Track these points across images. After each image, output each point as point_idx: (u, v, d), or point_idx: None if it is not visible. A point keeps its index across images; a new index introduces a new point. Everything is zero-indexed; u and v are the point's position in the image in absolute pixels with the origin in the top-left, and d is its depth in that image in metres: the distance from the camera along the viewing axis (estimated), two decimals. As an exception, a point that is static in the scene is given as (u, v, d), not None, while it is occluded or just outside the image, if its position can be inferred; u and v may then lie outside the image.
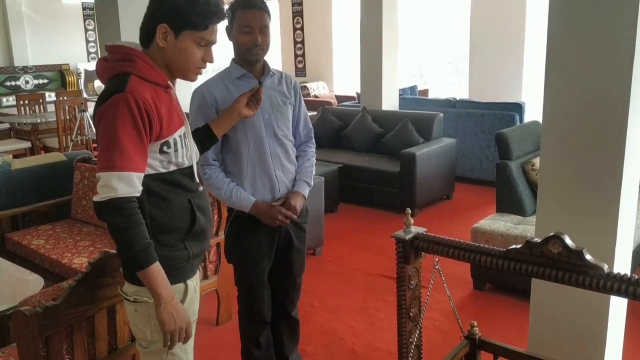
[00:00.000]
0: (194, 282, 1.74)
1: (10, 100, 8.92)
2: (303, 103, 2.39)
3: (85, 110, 6.72)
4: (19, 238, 3.55)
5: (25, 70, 9.74)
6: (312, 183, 2.34)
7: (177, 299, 1.62)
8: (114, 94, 1.50)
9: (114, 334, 1.92)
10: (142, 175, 1.53)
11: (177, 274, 1.65)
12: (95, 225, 3.68)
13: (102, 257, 1.80)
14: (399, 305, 1.75)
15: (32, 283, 2.46)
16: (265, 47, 2.15)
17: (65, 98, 7.15)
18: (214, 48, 1.67)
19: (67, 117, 6.78)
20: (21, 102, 7.87)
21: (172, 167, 1.63)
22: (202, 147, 1.97)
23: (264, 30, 2.12)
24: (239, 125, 2.16)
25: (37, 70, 9.89)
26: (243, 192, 2.21)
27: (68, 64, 10.19)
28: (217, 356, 2.91)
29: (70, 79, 10.06)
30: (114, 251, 1.84)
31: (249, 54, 2.13)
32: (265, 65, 2.23)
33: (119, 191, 1.47)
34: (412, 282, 1.75)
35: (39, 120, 7.00)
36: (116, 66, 1.58)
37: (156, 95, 1.57)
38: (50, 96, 8.66)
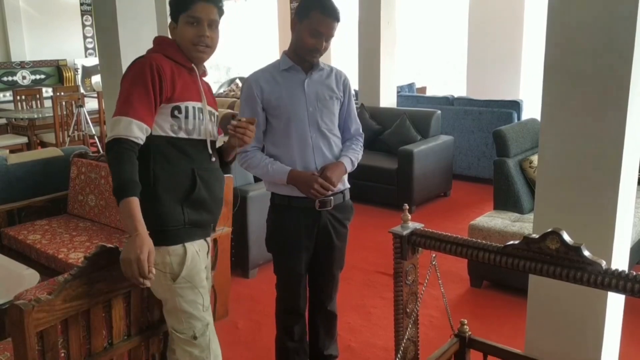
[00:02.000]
0: (196, 248, 1.86)
1: (7, 95, 8.88)
2: (353, 101, 2.40)
3: (82, 106, 6.69)
4: (15, 233, 3.54)
5: (22, 65, 9.69)
6: (355, 164, 2.33)
7: (176, 260, 1.80)
8: (140, 58, 1.79)
9: (109, 328, 1.91)
10: (143, 125, 1.70)
11: (173, 236, 1.80)
12: (91, 221, 3.67)
13: (98, 251, 1.79)
14: (395, 301, 1.75)
15: (28, 278, 2.46)
16: (323, 52, 2.19)
17: (62, 94, 7.13)
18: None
19: (64, 112, 6.75)
20: (18, 97, 7.84)
21: (182, 134, 1.81)
22: None
23: (330, 38, 2.16)
24: (281, 116, 2.22)
25: (34, 66, 9.84)
26: (279, 163, 2.22)
27: (65, 60, 10.14)
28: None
29: (67, 75, 10.02)
30: (111, 245, 1.85)
31: (309, 55, 2.17)
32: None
33: (114, 132, 1.69)
34: (409, 278, 1.75)
35: (35, 116, 6.96)
36: (150, 50, 1.88)
37: (177, 70, 1.81)
38: (47, 92, 8.62)
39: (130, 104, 1.70)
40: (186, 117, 1.80)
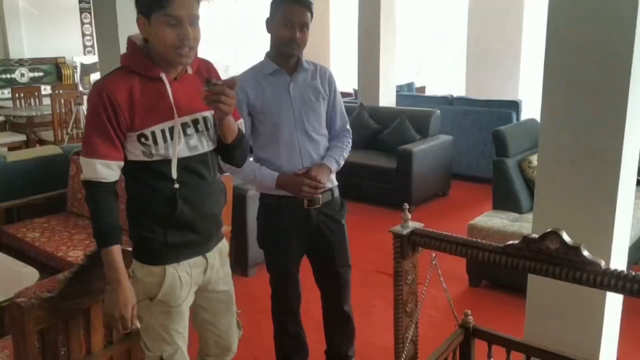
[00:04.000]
0: (180, 272, 1.74)
1: (6, 93, 8.87)
2: (339, 96, 2.38)
3: (81, 104, 6.68)
4: (13, 231, 3.54)
5: (20, 63, 9.68)
6: (341, 162, 2.32)
7: (154, 281, 1.71)
8: (95, 86, 1.64)
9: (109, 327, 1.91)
10: (109, 162, 1.62)
11: (153, 256, 1.72)
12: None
13: (98, 249, 1.79)
14: (395, 300, 1.75)
15: (27, 276, 2.46)
16: (302, 44, 2.17)
17: (61, 91, 7.12)
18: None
19: (63, 110, 6.74)
20: (17, 94, 7.84)
21: (156, 157, 1.66)
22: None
23: (304, 27, 2.14)
24: (268, 121, 2.21)
25: (33, 63, 9.83)
26: (266, 169, 2.22)
27: (64, 57, 10.13)
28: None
29: (66, 72, 10.01)
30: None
31: (286, 48, 2.15)
32: (298, 61, 2.24)
33: (84, 175, 1.64)
34: (409, 278, 1.75)
35: (34, 113, 6.97)
36: (122, 56, 1.70)
37: (141, 87, 1.63)
38: (46, 89, 8.62)
39: (91, 144, 1.61)
40: (155, 142, 1.64)
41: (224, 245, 1.91)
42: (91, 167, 1.61)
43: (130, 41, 1.68)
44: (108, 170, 1.62)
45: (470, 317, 1.97)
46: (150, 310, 1.74)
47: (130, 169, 1.69)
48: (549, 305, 2.19)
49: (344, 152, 2.35)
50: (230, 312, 1.97)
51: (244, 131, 1.89)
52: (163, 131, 1.65)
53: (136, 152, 1.66)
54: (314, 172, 2.19)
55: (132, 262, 1.75)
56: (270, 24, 2.18)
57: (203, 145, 1.74)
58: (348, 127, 2.42)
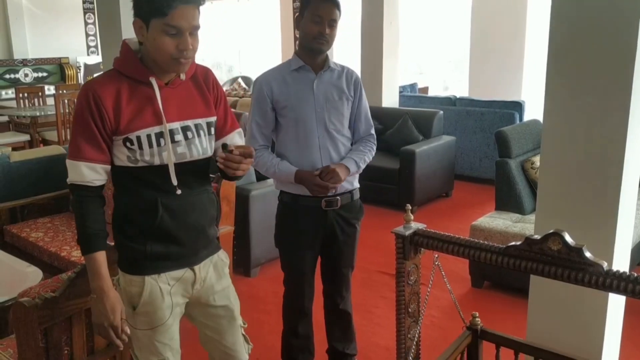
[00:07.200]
0: (161, 283, 1.67)
1: (10, 93, 8.90)
2: (364, 100, 2.41)
3: (84, 104, 6.69)
4: (17, 230, 3.55)
5: (24, 63, 9.72)
6: (361, 165, 2.32)
7: (135, 291, 1.66)
8: (83, 87, 1.60)
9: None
10: (94, 165, 1.58)
11: (134, 266, 1.67)
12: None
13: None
14: (397, 301, 1.75)
15: (30, 275, 2.47)
16: (330, 40, 2.20)
17: (64, 91, 7.13)
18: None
19: (67, 110, 6.76)
20: (20, 94, 7.86)
21: (142, 163, 1.61)
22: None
23: (332, 23, 2.18)
24: (290, 116, 2.24)
25: (37, 64, 9.86)
26: (286, 163, 2.25)
27: (67, 58, 10.17)
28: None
29: (69, 73, 10.04)
30: (113, 244, 1.85)
31: (314, 42, 2.18)
32: (326, 60, 2.28)
33: (69, 178, 1.60)
34: (412, 278, 1.75)
35: (38, 114, 6.98)
36: (113, 61, 1.66)
37: (129, 91, 1.58)
38: (50, 89, 8.64)
39: (77, 146, 1.57)
40: (140, 147, 1.58)
41: (220, 258, 1.82)
42: (77, 169, 1.57)
43: (124, 44, 1.64)
44: (94, 174, 1.58)
45: (478, 319, 1.98)
46: (135, 320, 1.69)
47: (117, 174, 1.65)
48: (551, 306, 2.19)
49: (365, 156, 2.35)
50: (234, 328, 1.87)
51: (242, 142, 1.83)
52: (149, 136, 1.58)
53: (122, 157, 1.60)
54: (329, 174, 2.18)
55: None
56: (300, 22, 2.22)
57: (192, 153, 1.66)
58: (372, 132, 2.43)
